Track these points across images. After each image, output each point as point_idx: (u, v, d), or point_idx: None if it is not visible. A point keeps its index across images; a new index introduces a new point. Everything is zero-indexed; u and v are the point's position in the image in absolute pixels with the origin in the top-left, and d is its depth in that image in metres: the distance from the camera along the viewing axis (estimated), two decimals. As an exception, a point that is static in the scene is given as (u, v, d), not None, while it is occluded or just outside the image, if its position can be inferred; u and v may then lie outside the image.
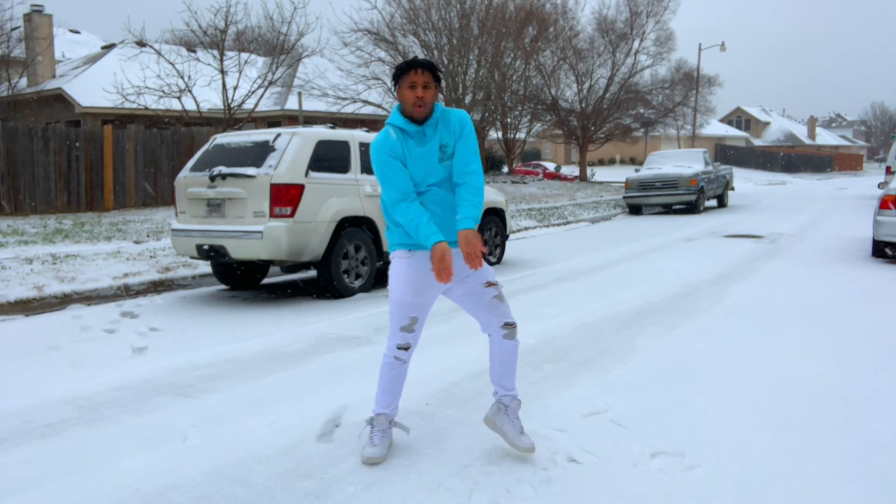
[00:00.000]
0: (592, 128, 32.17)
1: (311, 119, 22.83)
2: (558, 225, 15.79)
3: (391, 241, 3.28)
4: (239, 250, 6.97)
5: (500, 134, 29.59)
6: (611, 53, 31.67)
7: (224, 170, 7.09)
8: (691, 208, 18.72)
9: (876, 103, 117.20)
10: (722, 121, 67.40)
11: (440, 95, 3.04)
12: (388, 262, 8.08)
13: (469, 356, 4.91)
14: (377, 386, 3.34)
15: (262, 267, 8.27)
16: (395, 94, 3.20)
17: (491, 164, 32.55)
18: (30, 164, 14.38)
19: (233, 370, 4.77)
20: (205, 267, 8.66)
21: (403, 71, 3.09)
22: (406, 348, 3.26)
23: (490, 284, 3.21)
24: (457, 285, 3.22)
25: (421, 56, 23.38)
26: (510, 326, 3.24)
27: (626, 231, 14.66)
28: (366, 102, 22.95)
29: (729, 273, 8.56)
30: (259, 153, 7.13)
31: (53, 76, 24.71)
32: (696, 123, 37.88)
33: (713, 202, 21.32)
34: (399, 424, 3.38)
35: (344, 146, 7.63)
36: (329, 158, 7.38)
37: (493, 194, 9.59)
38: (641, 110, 34.38)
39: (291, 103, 24.45)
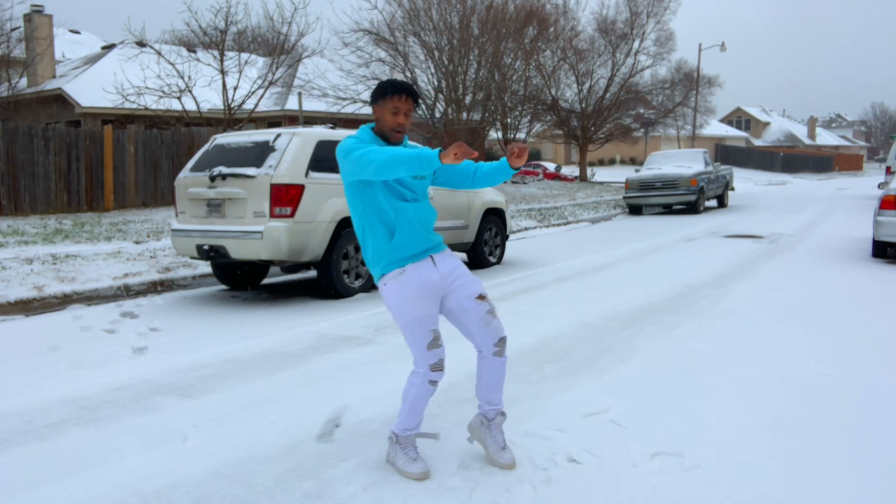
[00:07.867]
0: (592, 128, 32.15)
1: (311, 119, 22.82)
2: (558, 225, 15.79)
3: (377, 264, 3.14)
4: (239, 250, 6.97)
5: (500, 134, 29.56)
6: (611, 54, 31.66)
7: (224, 170, 7.09)
8: (691, 208, 18.73)
9: (876, 103, 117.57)
10: (722, 121, 67.40)
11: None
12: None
13: (468, 356, 4.85)
14: (403, 408, 3.14)
15: (262, 267, 8.27)
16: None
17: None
18: (30, 164, 14.38)
19: (233, 370, 4.77)
20: (205, 267, 8.67)
21: (387, 92, 3.05)
22: (440, 368, 3.11)
23: (481, 298, 3.15)
24: (449, 297, 3.15)
25: (422, 55, 23.49)
26: (502, 342, 3.19)
27: (626, 231, 14.66)
28: (366, 103, 22.92)
29: (729, 273, 8.56)
30: (259, 153, 7.13)
31: (53, 76, 24.70)
32: (696, 124, 37.87)
33: (713, 202, 21.32)
34: (426, 434, 3.27)
35: (344, 146, 7.61)
36: (329, 158, 7.37)
37: (492, 194, 9.60)
38: (641, 110, 34.38)
39: (291, 103, 24.45)
